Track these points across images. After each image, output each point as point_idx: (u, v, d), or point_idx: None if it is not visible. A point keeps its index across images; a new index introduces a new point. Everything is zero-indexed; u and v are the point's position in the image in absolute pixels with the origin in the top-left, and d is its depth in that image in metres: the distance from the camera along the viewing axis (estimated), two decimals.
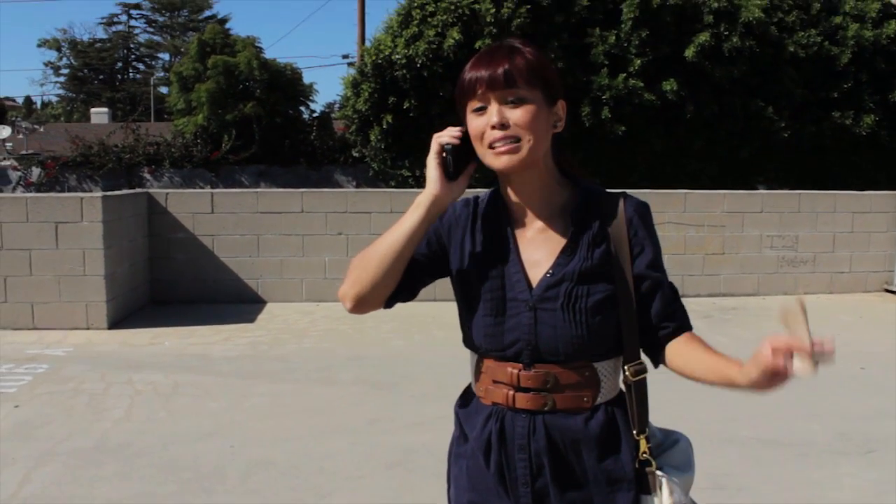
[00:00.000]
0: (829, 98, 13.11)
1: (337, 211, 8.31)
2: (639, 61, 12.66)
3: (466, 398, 1.72)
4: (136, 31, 53.07)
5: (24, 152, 18.49)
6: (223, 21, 47.95)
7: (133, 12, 51.63)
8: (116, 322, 7.22)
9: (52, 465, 4.08)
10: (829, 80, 13.11)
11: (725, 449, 4.36)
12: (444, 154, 1.58)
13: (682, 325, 1.63)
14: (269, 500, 3.71)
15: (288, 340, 6.67)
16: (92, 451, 4.28)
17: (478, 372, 1.66)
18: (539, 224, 1.62)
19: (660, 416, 4.92)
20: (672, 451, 1.68)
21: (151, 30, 52.88)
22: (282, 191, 8.98)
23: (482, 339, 1.61)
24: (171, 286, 8.26)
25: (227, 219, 8.24)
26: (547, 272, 1.58)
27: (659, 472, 1.61)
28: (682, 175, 13.13)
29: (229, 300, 8.13)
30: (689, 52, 12.56)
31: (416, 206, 1.58)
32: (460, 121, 1.60)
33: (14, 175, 17.29)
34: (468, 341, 1.68)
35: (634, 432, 1.61)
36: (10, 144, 19.45)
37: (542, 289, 1.57)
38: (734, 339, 7.05)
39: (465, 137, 1.59)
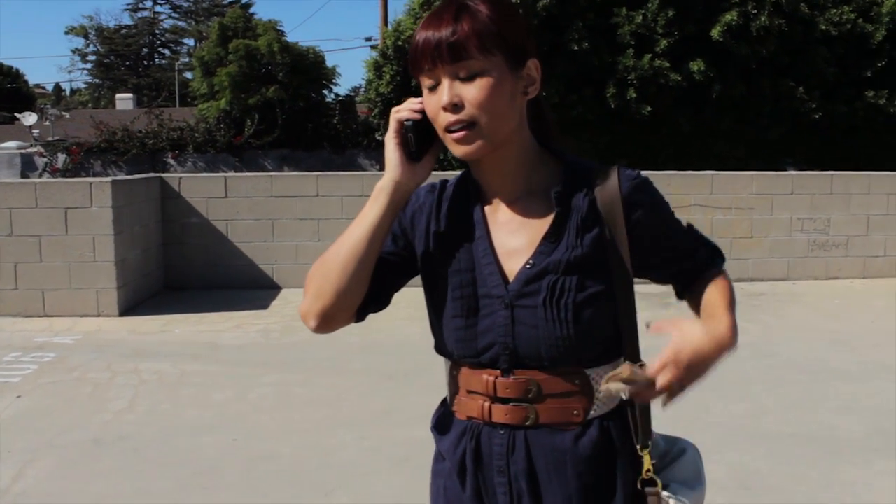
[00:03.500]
0: (862, 77, 12.76)
1: (353, 195, 8.11)
2: (665, 41, 12.44)
3: (441, 413, 1.51)
4: (162, 17, 53.31)
5: (50, 139, 18.54)
6: (247, 6, 47.78)
7: None
8: (128, 309, 7.09)
9: (48, 458, 3.94)
10: (862, 58, 12.75)
11: (753, 444, 4.12)
12: (405, 132, 1.35)
13: (703, 268, 1.47)
14: (270, 496, 3.54)
15: (300, 328, 6.46)
16: (90, 443, 4.14)
17: (452, 382, 1.46)
18: (516, 207, 1.39)
19: (684, 407, 4.69)
20: (678, 462, 1.49)
21: (176, 15, 53.12)
22: (296, 174, 8.82)
23: (453, 344, 1.40)
24: (185, 272, 8.12)
25: (241, 203, 8.08)
26: (527, 263, 1.35)
27: (665, 493, 1.40)
28: (709, 156, 12.89)
29: (244, 286, 7.97)
30: (716, 32, 12.28)
31: (377, 196, 1.36)
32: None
33: (40, 161, 17.36)
34: (439, 346, 1.47)
35: (638, 447, 1.39)
36: (38, 131, 19.51)
37: (521, 283, 1.34)
38: (762, 326, 6.78)
39: None
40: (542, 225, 1.37)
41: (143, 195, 7.58)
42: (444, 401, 1.53)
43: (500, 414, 1.37)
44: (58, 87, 58.51)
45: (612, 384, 1.20)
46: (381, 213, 1.35)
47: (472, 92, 1.27)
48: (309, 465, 3.86)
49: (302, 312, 1.41)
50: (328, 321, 1.39)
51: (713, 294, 1.43)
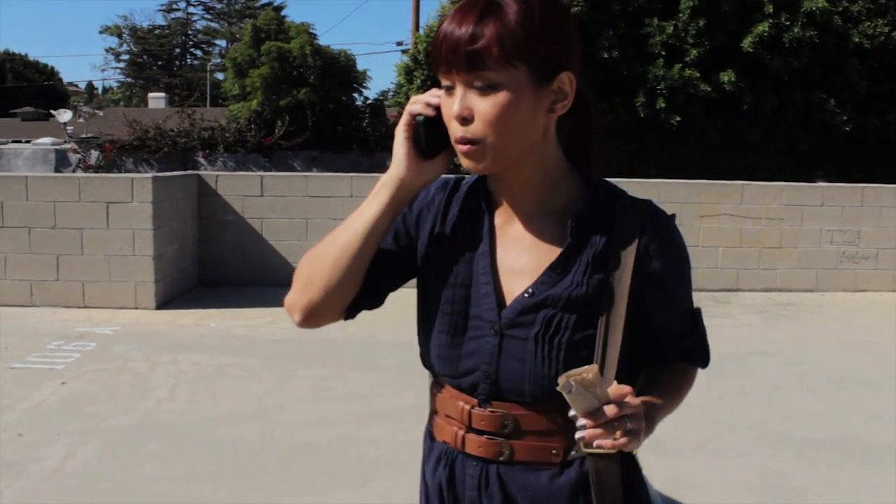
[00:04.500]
0: (895, 90, 12.67)
1: None
2: (695, 52, 12.48)
3: (427, 429, 1.43)
4: (195, 17, 53.86)
5: (83, 135, 18.84)
6: (279, 8, 48.28)
7: None
8: (164, 302, 7.26)
9: (95, 441, 4.08)
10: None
11: (780, 449, 4.19)
12: (416, 127, 1.25)
13: (683, 359, 1.37)
14: (308, 483, 3.66)
15: (332, 325, 6.63)
16: (134, 429, 4.28)
17: (431, 398, 1.39)
18: (528, 226, 1.28)
19: (708, 416, 4.77)
20: None
21: (209, 17, 53.65)
22: (331, 175, 8.94)
23: (435, 359, 1.32)
24: (220, 268, 8.28)
25: (276, 202, 8.23)
26: (525, 290, 1.25)
27: None
28: (738, 168, 12.91)
29: (277, 283, 8.06)
30: (747, 43, 12.30)
31: (378, 191, 1.27)
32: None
33: (73, 158, 17.64)
34: (423, 358, 1.38)
35: None
36: (72, 128, 19.85)
37: (516, 311, 1.24)
38: (791, 335, 6.83)
39: None
40: (551, 251, 1.26)
41: (181, 192, 7.76)
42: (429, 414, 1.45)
43: (473, 446, 1.29)
44: (90, 86, 59.34)
45: (570, 380, 1.10)
46: (380, 209, 1.26)
47: (484, 107, 1.16)
48: (346, 455, 3.98)
49: (287, 304, 1.33)
50: (313, 316, 1.32)
51: (674, 378, 1.36)
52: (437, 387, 1.36)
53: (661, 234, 1.26)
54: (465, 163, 1.22)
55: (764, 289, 8.71)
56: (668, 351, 1.35)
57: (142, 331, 6.39)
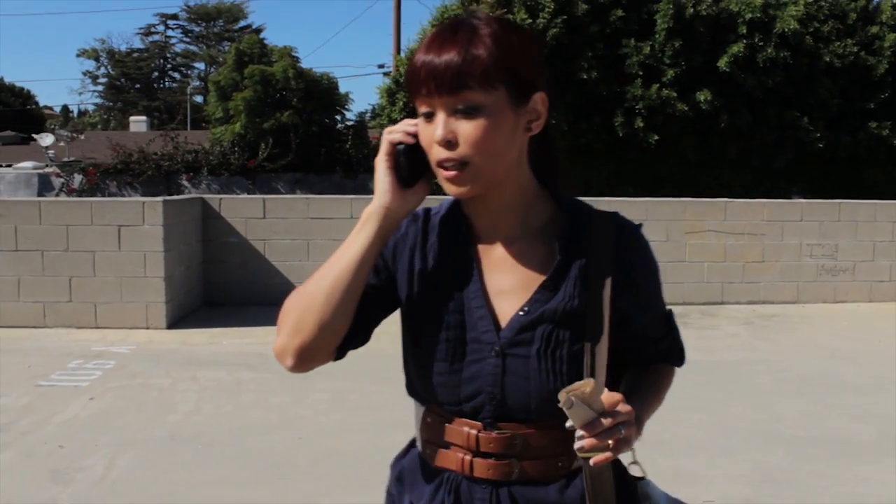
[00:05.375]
0: (865, 108, 13.19)
1: None
2: (672, 72, 12.80)
3: (410, 457, 1.42)
4: (173, 41, 54.02)
5: (65, 159, 18.88)
6: (258, 30, 48.59)
7: (170, 22, 52.58)
8: (174, 322, 7.50)
9: (132, 451, 4.32)
10: (865, 90, 13.20)
11: (774, 446, 4.51)
12: (397, 156, 1.27)
13: (660, 360, 1.44)
14: (340, 485, 3.93)
15: None
16: (167, 440, 4.53)
17: (425, 429, 1.36)
18: (510, 247, 1.31)
19: (704, 419, 5.09)
20: None
21: (188, 40, 53.79)
22: (332, 197, 9.25)
23: (433, 389, 1.31)
24: (224, 289, 8.53)
25: (278, 224, 8.51)
26: (521, 309, 1.28)
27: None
28: (715, 185, 13.25)
29: (280, 303, 8.33)
30: (722, 63, 12.69)
31: (365, 223, 1.27)
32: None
33: (57, 182, 17.65)
34: (413, 389, 1.38)
35: None
36: (53, 152, 19.90)
37: (514, 330, 1.27)
38: (775, 344, 7.20)
39: None
40: (537, 268, 1.30)
41: (187, 215, 8.01)
42: (410, 445, 1.45)
43: (482, 469, 1.29)
44: (65, 109, 59.21)
45: (571, 395, 1.13)
46: (369, 240, 1.26)
47: (469, 130, 1.19)
48: (371, 461, 4.23)
49: (277, 350, 1.30)
50: (307, 359, 1.29)
51: (654, 379, 1.42)
52: (431, 416, 1.34)
53: (633, 244, 1.33)
54: (448, 187, 1.24)
55: (748, 301, 9.09)
56: (647, 353, 1.40)
57: (157, 349, 6.63)
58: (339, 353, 1.33)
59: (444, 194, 1.27)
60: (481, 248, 1.32)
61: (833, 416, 5.10)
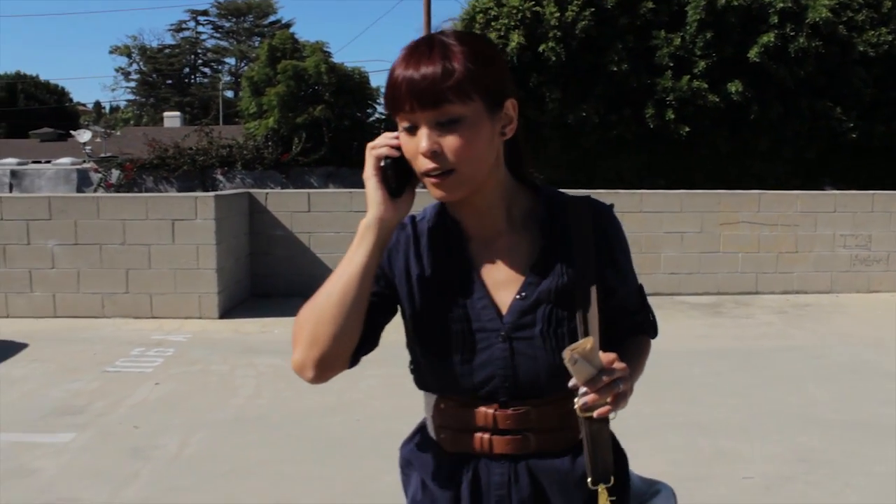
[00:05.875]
0: None
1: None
2: (703, 63, 12.84)
3: (421, 443, 1.52)
4: (203, 36, 54.62)
5: (102, 155, 19.21)
6: (287, 25, 49.04)
7: (200, 18, 53.18)
8: (225, 312, 7.82)
9: (202, 432, 4.62)
10: None
11: (808, 428, 4.71)
12: (385, 170, 1.35)
13: (638, 331, 1.54)
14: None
15: (387, 331, 7.17)
16: (233, 421, 4.82)
17: (438, 415, 1.46)
18: (499, 241, 1.43)
19: (741, 402, 5.30)
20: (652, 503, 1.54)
21: (218, 35, 54.38)
22: None
23: (448, 381, 1.42)
24: (270, 280, 8.84)
25: (322, 217, 8.80)
26: (517, 294, 1.40)
27: None
28: (747, 176, 13.30)
29: None
30: (753, 53, 12.71)
31: (363, 235, 1.35)
32: (395, 125, 1.36)
33: (95, 177, 17.94)
34: (424, 382, 1.48)
35: (589, 480, 1.38)
36: (90, 148, 20.30)
37: (516, 314, 1.39)
38: (811, 332, 7.37)
39: None
40: (527, 256, 1.41)
41: (235, 209, 8.32)
42: (420, 430, 1.54)
43: (501, 445, 1.40)
44: (98, 105, 60.10)
45: (574, 353, 1.23)
46: (369, 251, 1.34)
47: (451, 141, 1.28)
48: None
49: (297, 364, 1.37)
50: (326, 369, 1.36)
51: (634, 349, 1.50)
52: (445, 402, 1.44)
53: (609, 224, 1.45)
54: (436, 193, 1.33)
55: (782, 291, 9.24)
56: (625, 325, 1.50)
57: (212, 338, 6.94)
58: (354, 361, 1.41)
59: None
60: (473, 245, 1.42)
61: (866, 400, 5.28)
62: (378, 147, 1.35)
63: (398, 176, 1.35)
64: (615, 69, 12.90)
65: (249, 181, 17.58)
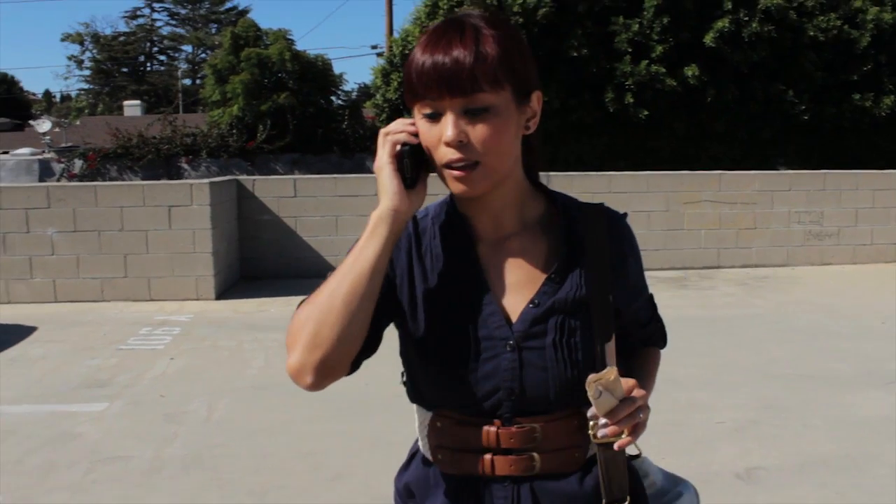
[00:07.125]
0: (848, 80, 13.57)
1: None
2: (661, 48, 13.09)
3: (416, 468, 1.41)
4: (159, 23, 54.05)
5: (63, 145, 19.08)
6: (244, 12, 48.75)
7: (155, 5, 52.61)
8: (221, 294, 8.21)
9: (226, 398, 5.04)
10: (848, 62, 13.57)
11: (771, 381, 5.28)
12: (402, 157, 1.24)
13: (649, 342, 1.50)
14: (411, 418, 4.63)
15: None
16: (253, 388, 5.24)
17: (434, 433, 1.34)
18: (511, 243, 1.33)
19: (710, 361, 5.92)
20: None
21: (174, 22, 53.83)
22: (358, 176, 9.90)
23: (446, 393, 1.30)
24: (259, 264, 9.23)
25: (308, 202, 9.20)
26: (530, 302, 1.29)
27: None
28: (704, 158, 13.67)
29: (312, 275, 9.06)
30: (708, 38, 13.10)
31: (376, 227, 1.23)
32: (408, 110, 1.27)
33: (57, 167, 17.77)
34: (419, 395, 1.37)
35: (603, 501, 1.30)
36: (49, 138, 20.16)
37: (527, 323, 1.28)
38: (769, 301, 7.99)
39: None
40: (541, 261, 1.31)
41: (227, 195, 8.68)
42: (413, 456, 1.44)
43: (503, 466, 1.28)
44: (48, 94, 59.23)
45: (598, 385, 1.19)
46: (382, 244, 1.22)
47: (479, 130, 1.18)
48: None
49: (294, 368, 1.24)
50: (327, 374, 1.23)
51: (647, 364, 1.48)
52: (441, 420, 1.32)
53: (622, 234, 1.36)
54: (457, 187, 1.22)
55: (742, 265, 9.89)
56: (636, 337, 1.45)
57: (213, 317, 7.33)
58: (354, 366, 1.30)
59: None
60: (482, 246, 1.32)
61: (820, 357, 5.87)
62: (395, 133, 1.24)
63: (414, 165, 1.25)
64: (575, 55, 13.17)
65: (215, 169, 17.50)
